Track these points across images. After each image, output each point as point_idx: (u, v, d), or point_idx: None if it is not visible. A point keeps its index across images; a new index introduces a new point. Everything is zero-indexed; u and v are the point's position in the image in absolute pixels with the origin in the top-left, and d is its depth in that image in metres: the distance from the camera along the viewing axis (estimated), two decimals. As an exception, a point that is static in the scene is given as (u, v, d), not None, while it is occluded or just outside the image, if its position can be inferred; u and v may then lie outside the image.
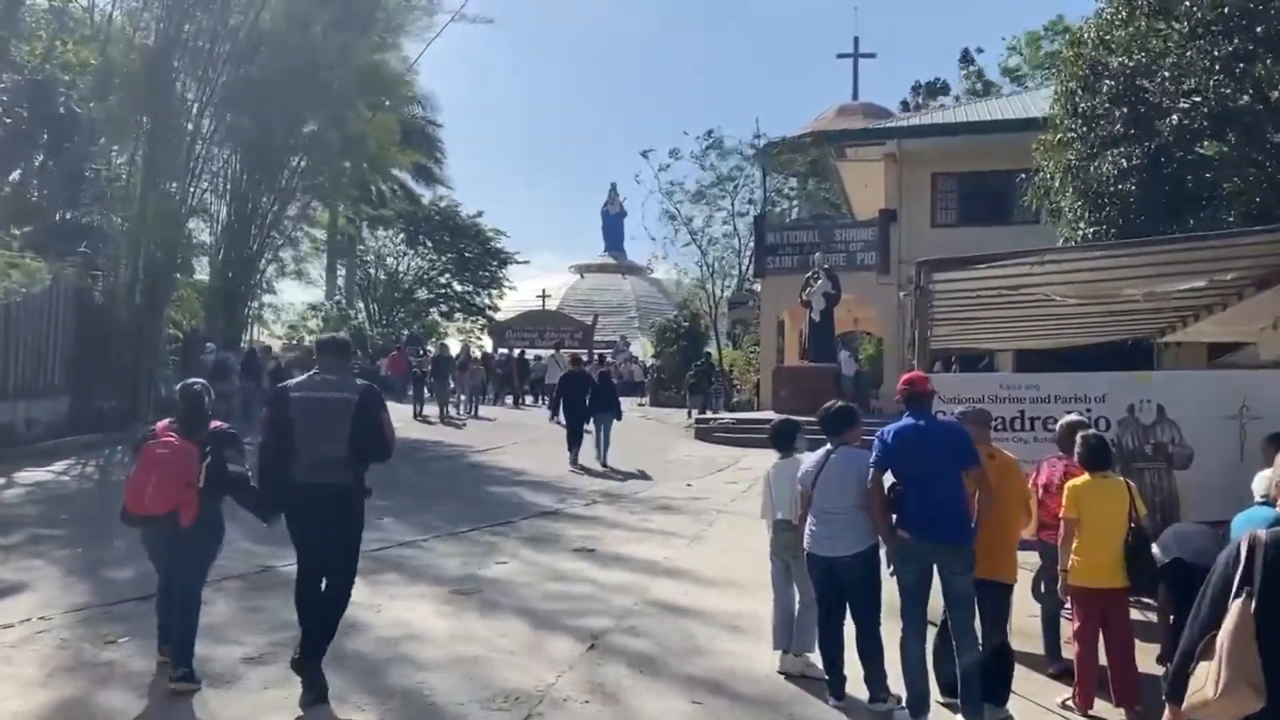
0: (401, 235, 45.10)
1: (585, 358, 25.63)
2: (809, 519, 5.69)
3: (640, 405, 30.14)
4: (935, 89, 44.02)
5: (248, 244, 23.84)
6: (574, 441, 16.46)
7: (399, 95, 33.27)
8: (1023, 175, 17.54)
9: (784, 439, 6.58)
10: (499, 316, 45.18)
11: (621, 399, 18.17)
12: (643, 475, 15.51)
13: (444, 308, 47.71)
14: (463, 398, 25.71)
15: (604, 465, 16.19)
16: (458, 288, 47.68)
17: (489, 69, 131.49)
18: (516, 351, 34.60)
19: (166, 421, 5.81)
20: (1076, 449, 5.86)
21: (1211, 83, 13.25)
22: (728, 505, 12.56)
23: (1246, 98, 13.23)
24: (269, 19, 21.30)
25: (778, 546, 6.33)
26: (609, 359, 38.20)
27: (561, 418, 17.25)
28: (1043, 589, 6.46)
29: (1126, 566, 5.68)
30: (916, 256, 23.86)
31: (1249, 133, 13.45)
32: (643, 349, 43.01)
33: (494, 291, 47.94)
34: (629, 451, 18.29)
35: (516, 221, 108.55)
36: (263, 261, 25.20)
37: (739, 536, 10.30)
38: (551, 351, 28.50)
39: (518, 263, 47.36)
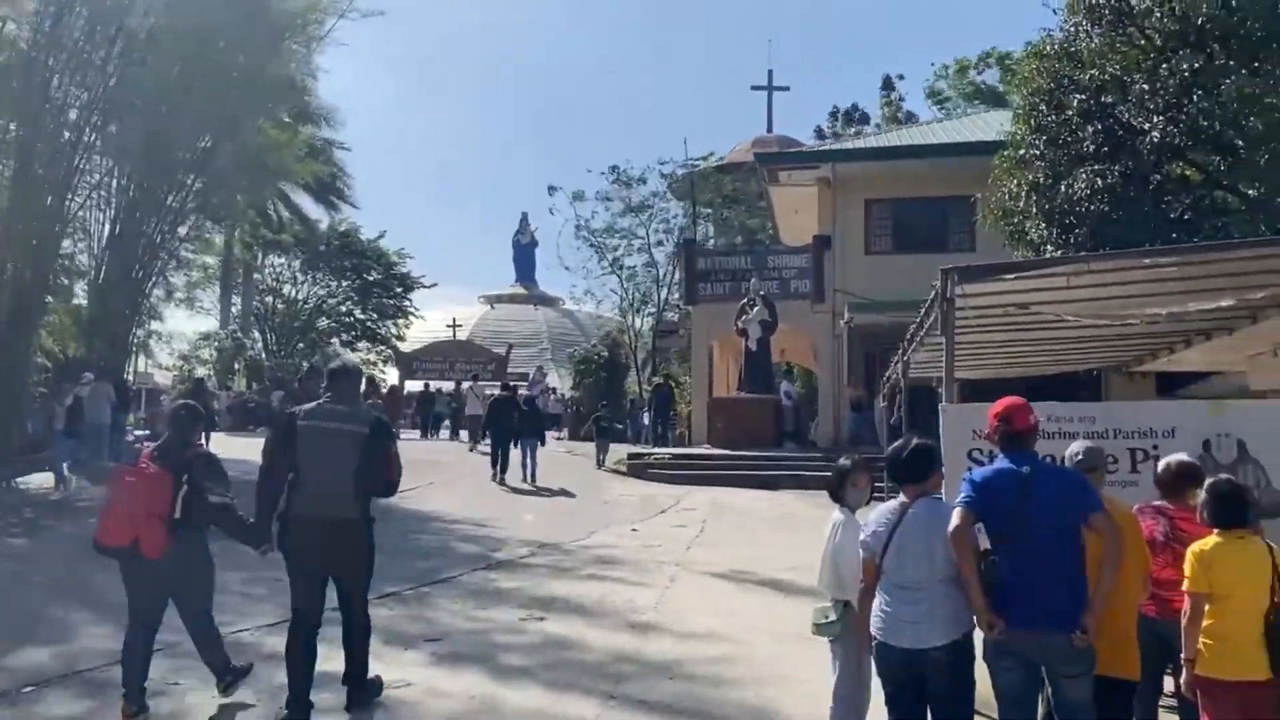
0: (299, 261, 42.70)
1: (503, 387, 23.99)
2: (879, 597, 4.30)
3: (559, 439, 28.59)
4: (853, 118, 43.80)
5: (133, 266, 21.58)
6: (500, 463, 17.66)
7: (300, 109, 31.29)
8: (975, 196, 16.74)
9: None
10: (406, 347, 43.07)
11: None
12: (566, 492, 16.29)
13: (345, 337, 45.36)
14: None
15: (532, 484, 17.29)
16: (360, 316, 45.43)
17: (400, 100, 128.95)
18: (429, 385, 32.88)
19: (152, 445, 5.76)
20: (1203, 499, 4.62)
21: (1184, 100, 12.60)
22: (684, 556, 11.13)
23: (1218, 116, 12.59)
24: (158, 22, 19.32)
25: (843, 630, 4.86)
26: (523, 390, 36.66)
27: (483, 445, 18.43)
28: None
29: (1270, 651, 4.44)
30: (851, 285, 23.26)
31: (1227, 153, 12.83)
32: (559, 380, 41.41)
33: (399, 321, 45.79)
34: (562, 493, 16.90)
35: (426, 252, 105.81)
36: (149, 286, 22.94)
37: (708, 599, 8.93)
38: (469, 383, 26.80)
39: (424, 286, 45.37)
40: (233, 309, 43.12)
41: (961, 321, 8.86)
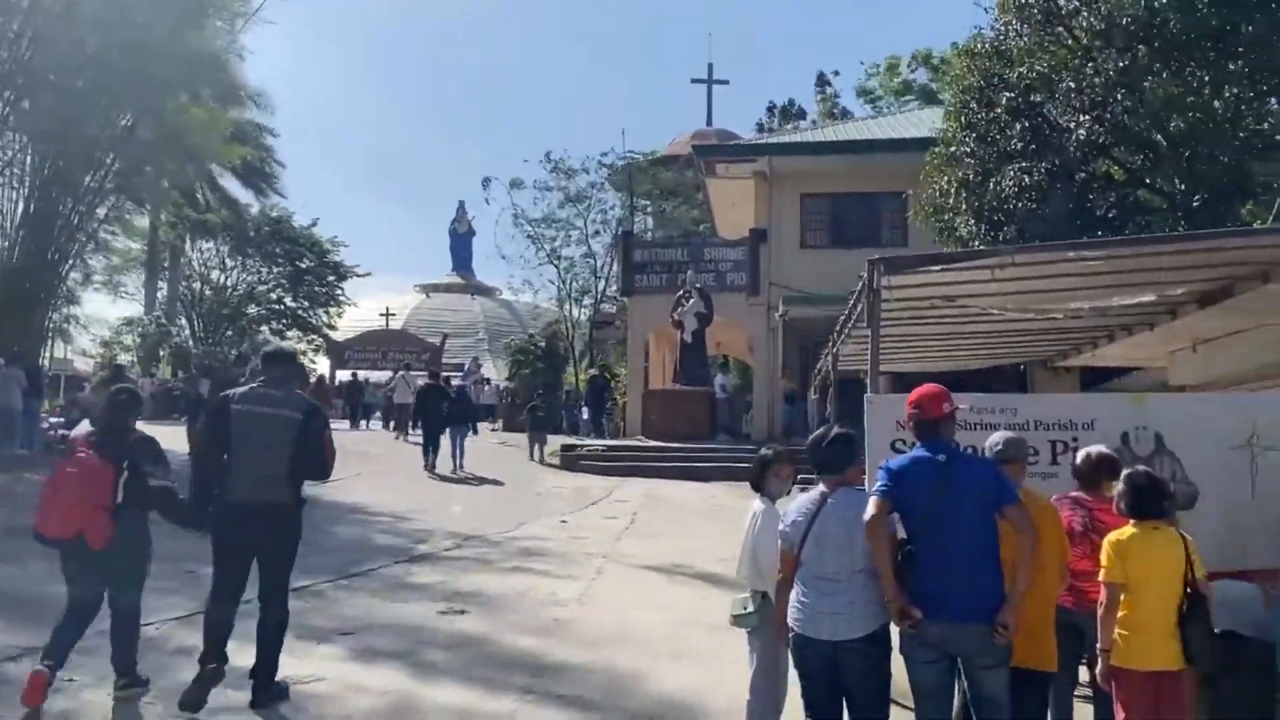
0: (228, 246, 41.58)
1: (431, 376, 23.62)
2: (796, 588, 4.22)
3: (494, 430, 28.29)
4: (790, 113, 44.00)
5: (48, 248, 20.74)
6: (431, 450, 17.72)
7: (227, 89, 30.41)
8: (908, 193, 16.88)
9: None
10: (339, 336, 42.26)
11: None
12: (496, 483, 16.30)
13: (275, 325, 44.33)
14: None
15: (460, 471, 17.50)
16: (291, 304, 44.43)
17: (336, 87, 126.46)
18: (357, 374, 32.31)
19: (86, 432, 5.61)
20: (1120, 490, 4.62)
21: (1108, 99, 12.80)
22: (612, 548, 11.02)
23: (1141, 115, 12.83)
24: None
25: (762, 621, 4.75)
26: (458, 381, 36.27)
27: (415, 435, 18.44)
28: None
29: (1182, 641, 4.47)
30: (786, 279, 23.37)
31: (1150, 151, 13.08)
32: (495, 371, 41.00)
33: (332, 309, 44.88)
34: (492, 484, 16.69)
35: (361, 240, 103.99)
36: (65, 269, 22.08)
37: (636, 591, 8.82)
38: (401, 372, 26.36)
39: (358, 275, 44.52)
40: (159, 295, 41.79)
41: (889, 313, 8.85)
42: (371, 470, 17.43)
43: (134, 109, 20.66)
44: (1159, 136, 12.52)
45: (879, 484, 4.21)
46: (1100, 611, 4.50)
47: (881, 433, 6.34)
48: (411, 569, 9.59)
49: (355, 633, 7.14)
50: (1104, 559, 4.50)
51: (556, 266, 37.82)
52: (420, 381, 22.16)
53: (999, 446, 4.73)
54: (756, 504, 4.88)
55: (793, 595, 4.21)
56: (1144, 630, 4.44)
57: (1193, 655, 4.48)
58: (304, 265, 43.30)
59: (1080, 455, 5.21)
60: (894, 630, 4.14)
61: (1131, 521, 4.55)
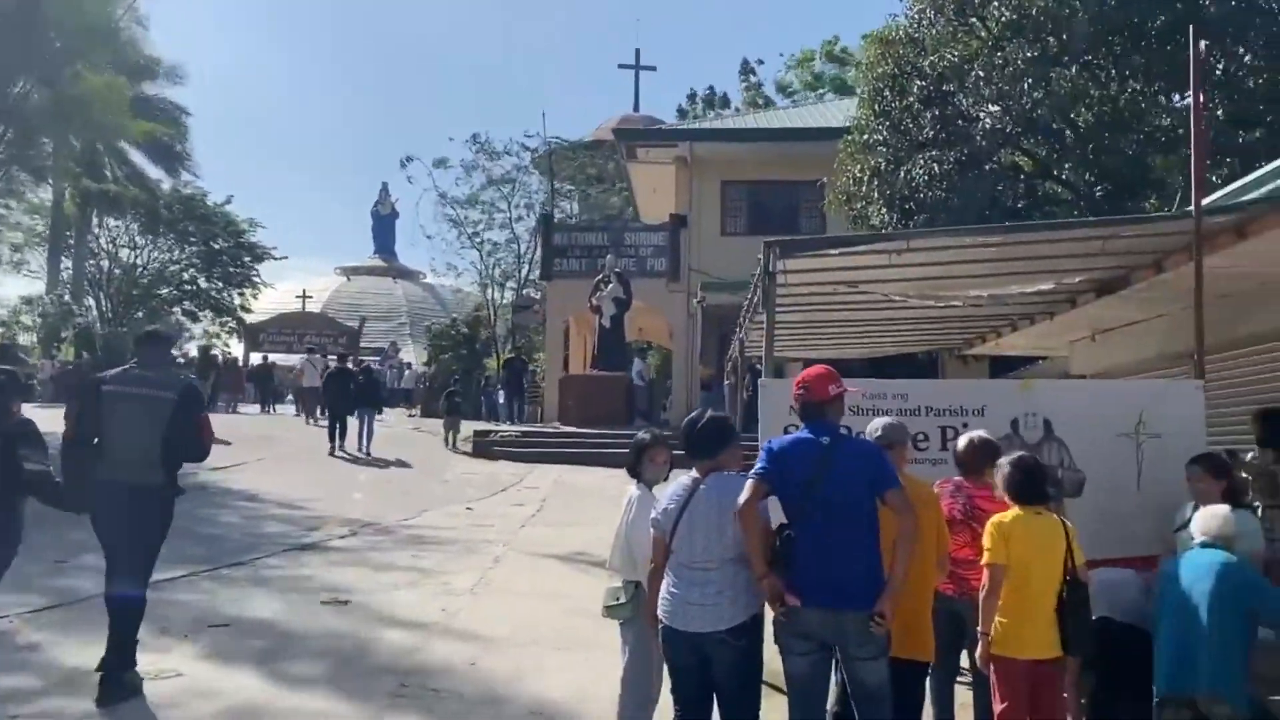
0: (137, 224, 40.07)
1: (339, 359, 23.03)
2: (667, 577, 4.04)
3: (411, 415, 27.76)
4: (714, 100, 43.91)
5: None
6: (339, 433, 17.57)
7: (135, 64, 29.26)
8: (823, 180, 16.85)
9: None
10: (254, 319, 41.08)
11: (393, 409, 20.35)
12: (405, 468, 16.19)
13: (188, 306, 42.94)
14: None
15: (367, 453, 17.44)
16: (204, 285, 43.05)
17: (257, 66, 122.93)
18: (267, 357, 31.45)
19: None
20: (1002, 474, 4.54)
21: (1018, 90, 12.90)
22: (515, 535, 10.77)
23: (1049, 106, 12.95)
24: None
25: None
26: (376, 366, 35.63)
27: (323, 419, 18.43)
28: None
29: (1062, 630, 4.40)
30: (706, 265, 23.27)
31: (1057, 142, 13.21)
32: (415, 356, 40.28)
33: (247, 291, 43.60)
34: (400, 470, 16.32)
35: (281, 222, 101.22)
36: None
37: (532, 579, 8.60)
38: (307, 355, 25.64)
39: (274, 258, 43.29)
40: (62, 273, 40.14)
41: (792, 299, 8.77)
42: (275, 455, 16.92)
43: (27, 77, 19.69)
44: (1066, 128, 12.64)
45: (758, 465, 4.07)
46: (982, 594, 4.41)
47: (776, 417, 6.19)
48: (300, 558, 9.22)
49: (228, 625, 6.79)
50: (987, 541, 4.42)
51: (479, 250, 37.26)
52: (328, 364, 21.62)
53: (879, 432, 4.62)
54: (632, 490, 4.69)
55: (663, 585, 4.03)
56: (1024, 618, 4.37)
57: (1071, 643, 4.43)
58: (218, 246, 42.02)
59: (962, 441, 5.13)
60: (769, 620, 3.99)
61: (1015, 505, 4.48)
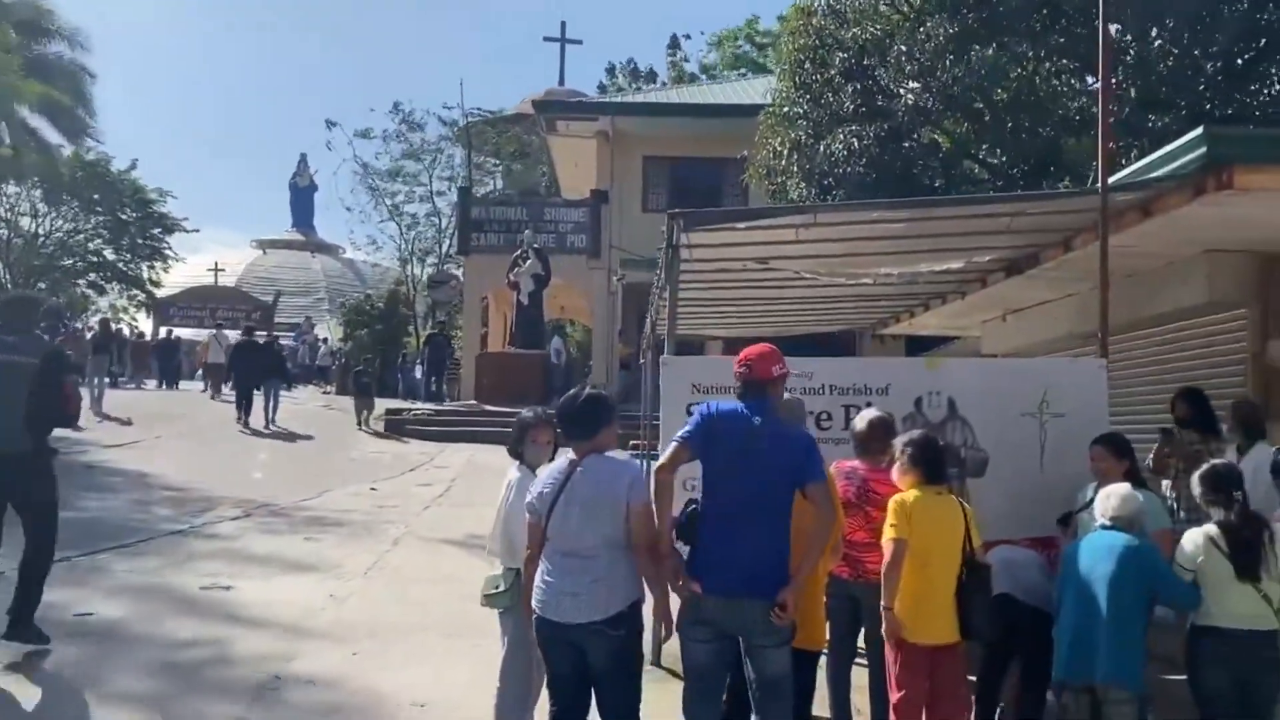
0: (39, 191, 38.28)
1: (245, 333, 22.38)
2: (542, 565, 3.76)
3: (325, 393, 26.95)
4: (638, 74, 43.41)
5: None
6: (244, 406, 17.47)
7: (32, 23, 27.77)
8: (744, 154, 16.64)
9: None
10: (164, 293, 39.68)
11: (307, 386, 21.08)
12: (311, 446, 15.78)
13: (93, 278, 41.31)
14: (95, 382, 21.50)
15: (270, 426, 17.41)
16: (111, 256, 41.43)
17: (170, 33, 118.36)
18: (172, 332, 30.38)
19: None
20: (901, 454, 4.36)
21: (938, 66, 12.81)
22: (417, 516, 10.40)
23: (968, 84, 12.89)
24: None
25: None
26: (291, 342, 34.72)
27: (229, 393, 18.51)
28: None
29: (961, 614, 4.25)
30: (627, 242, 22.96)
31: (974, 121, 13.17)
32: (331, 332, 39.26)
33: (157, 264, 42.06)
34: (305, 448, 15.77)
35: (195, 193, 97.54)
36: None
37: (430, 562, 8.26)
38: (213, 331, 24.77)
39: (185, 230, 41.81)
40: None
41: (702, 275, 8.55)
42: (174, 432, 16.23)
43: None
44: (984, 107, 12.59)
45: (685, 427, 3.89)
46: (884, 568, 4.23)
47: (677, 396, 5.96)
48: (182, 543, 8.73)
49: (92, 614, 6.32)
50: (891, 518, 4.25)
51: (399, 223, 36.42)
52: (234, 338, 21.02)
53: None
54: (513, 472, 4.39)
55: (537, 573, 3.76)
56: (924, 601, 4.22)
57: (971, 628, 4.28)
58: (125, 216, 40.44)
59: (859, 420, 4.94)
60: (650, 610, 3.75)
61: (916, 485, 4.30)
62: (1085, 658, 4.12)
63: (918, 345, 16.38)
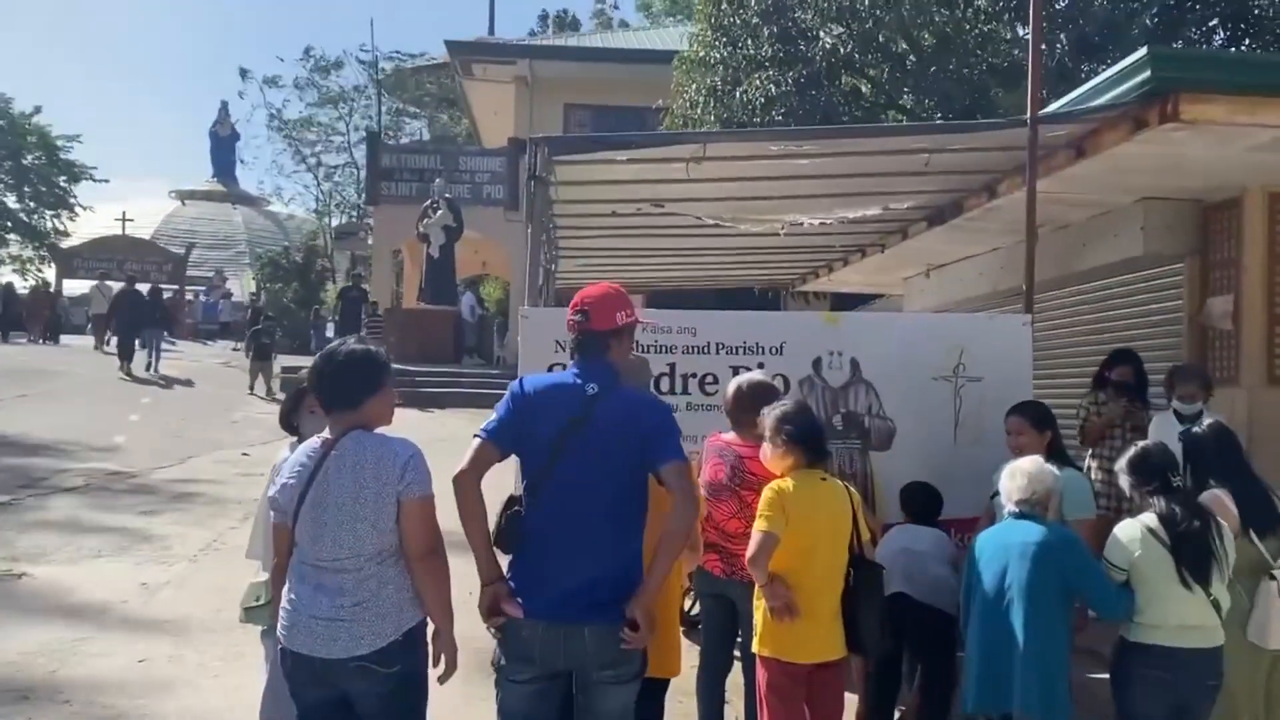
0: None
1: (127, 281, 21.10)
2: (289, 579, 2.85)
3: (234, 350, 25.40)
4: (564, 22, 41.88)
5: None
6: (126, 354, 17.46)
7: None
8: (660, 103, 15.68)
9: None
10: (72, 244, 37.59)
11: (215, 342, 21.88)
12: (192, 407, 14.98)
13: (-8, 228, 39.03)
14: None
15: (155, 373, 17.60)
16: (13, 205, 39.14)
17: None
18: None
19: None
20: (775, 431, 3.52)
21: (860, 7, 11.98)
22: (285, 486, 9.38)
23: (892, 26, 12.10)
24: None
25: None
26: (203, 297, 33.16)
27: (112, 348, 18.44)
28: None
29: (846, 625, 3.46)
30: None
31: (898, 67, 12.38)
32: (244, 286, 37.51)
33: (63, 214, 39.83)
34: (183, 408, 14.62)
35: (111, 142, 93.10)
36: None
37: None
38: (96, 283, 23.36)
39: (94, 179, 39.62)
40: None
41: (590, 219, 7.66)
42: (45, 390, 14.94)
43: None
44: (909, 51, 11.79)
45: (495, 415, 2.96)
46: (748, 557, 3.41)
47: (537, 355, 5.07)
48: (-2, 518, 7.64)
49: None
50: (764, 507, 3.40)
51: (315, 174, 34.76)
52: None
53: None
54: (284, 452, 3.42)
55: (283, 591, 2.85)
56: (804, 612, 3.39)
57: (859, 641, 3.50)
58: (27, 162, 38.12)
59: (732, 386, 4.08)
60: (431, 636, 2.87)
61: (792, 468, 3.47)
62: (997, 683, 3.34)
63: (845, 304, 15.68)
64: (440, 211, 19.57)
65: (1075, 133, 5.67)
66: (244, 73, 40.67)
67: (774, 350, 5.09)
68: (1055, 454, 4.12)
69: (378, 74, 32.51)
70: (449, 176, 21.13)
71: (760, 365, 4.97)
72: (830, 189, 6.91)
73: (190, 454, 10.81)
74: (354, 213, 35.18)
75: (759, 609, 3.51)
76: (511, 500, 3.02)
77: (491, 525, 2.91)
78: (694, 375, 5.09)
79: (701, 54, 12.96)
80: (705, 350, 5.13)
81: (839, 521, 3.48)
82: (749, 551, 3.39)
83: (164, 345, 19.18)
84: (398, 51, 35.40)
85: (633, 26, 34.21)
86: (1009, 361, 5.09)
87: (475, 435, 2.94)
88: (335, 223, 35.38)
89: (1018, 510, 3.48)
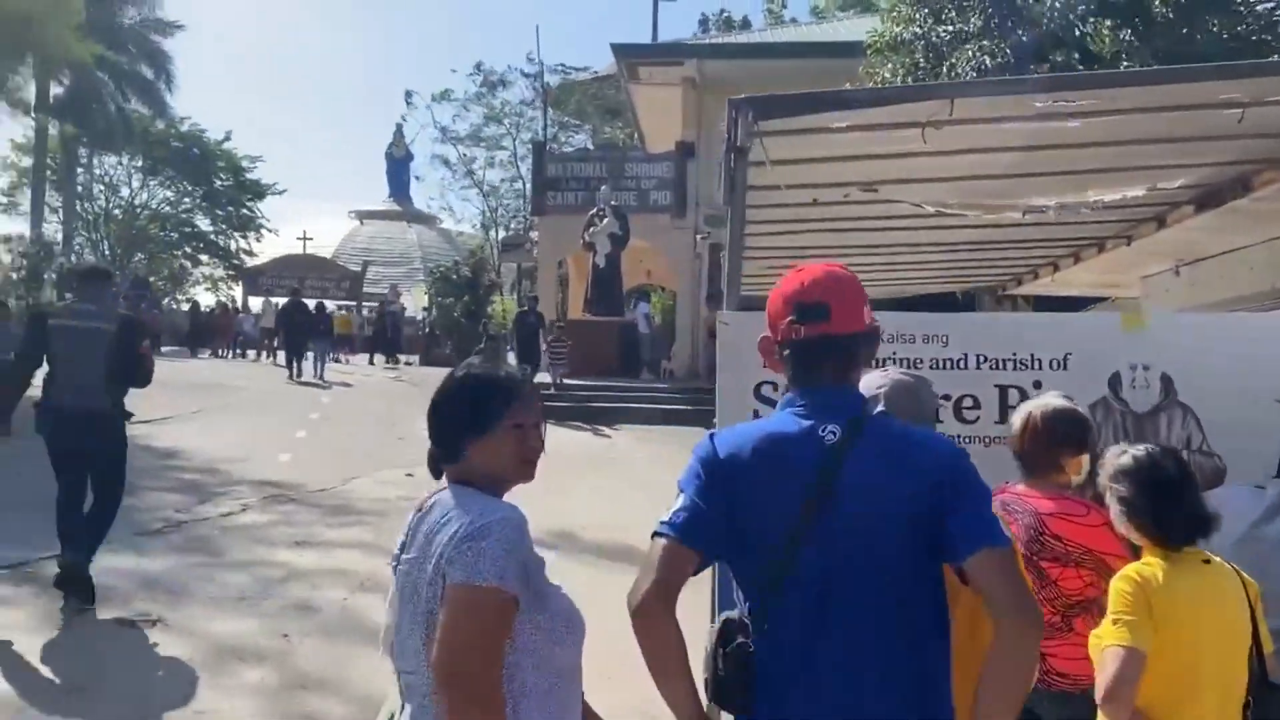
0: (139, 162, 38.44)
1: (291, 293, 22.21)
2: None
3: (407, 365, 25.62)
4: (731, 23, 40.86)
5: None
6: (295, 362, 19.36)
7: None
8: (846, 86, 14.41)
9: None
10: (254, 263, 39.50)
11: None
12: (356, 421, 14.70)
13: (188, 249, 41.56)
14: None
15: (321, 379, 19.22)
16: (205, 227, 41.55)
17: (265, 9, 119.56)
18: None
19: None
20: (1116, 484, 2.35)
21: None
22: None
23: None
24: None
25: None
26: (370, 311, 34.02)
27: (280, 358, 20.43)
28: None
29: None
30: (717, 199, 20.98)
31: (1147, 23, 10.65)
32: (416, 300, 38.24)
33: (250, 234, 41.96)
34: (350, 423, 14.38)
35: (294, 167, 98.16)
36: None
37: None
38: (263, 298, 24.16)
39: (275, 192, 41.64)
40: (45, 210, 38.33)
41: (783, 210, 6.56)
42: (220, 404, 15.05)
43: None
44: (1160, 5, 10.07)
45: (680, 498, 1.90)
46: (1103, 691, 2.25)
47: (740, 369, 4.03)
48: (145, 543, 7.16)
49: None
50: (1118, 604, 2.26)
51: (480, 189, 35.03)
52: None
53: (877, 400, 2.34)
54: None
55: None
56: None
57: None
58: (219, 185, 40.38)
59: (1018, 416, 2.88)
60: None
61: (1155, 549, 2.31)
62: None
63: (1051, 310, 13.97)
64: (606, 220, 18.94)
65: None
66: (409, 95, 41.58)
67: (1056, 365, 3.86)
68: None
69: (543, 83, 32.34)
70: (614, 184, 20.49)
71: (1037, 385, 3.77)
72: (1091, 162, 5.60)
73: (355, 474, 10.33)
74: (520, 222, 35.20)
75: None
76: (728, 628, 1.88)
77: (700, 673, 1.87)
78: (947, 398, 3.92)
79: (898, 31, 11.66)
80: (961, 364, 3.95)
81: (1234, 628, 2.29)
82: (1106, 683, 2.23)
83: (329, 358, 21.09)
84: (562, 64, 35.31)
85: (801, 23, 32.94)
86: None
87: (655, 534, 1.87)
88: (500, 235, 35.46)
89: None
